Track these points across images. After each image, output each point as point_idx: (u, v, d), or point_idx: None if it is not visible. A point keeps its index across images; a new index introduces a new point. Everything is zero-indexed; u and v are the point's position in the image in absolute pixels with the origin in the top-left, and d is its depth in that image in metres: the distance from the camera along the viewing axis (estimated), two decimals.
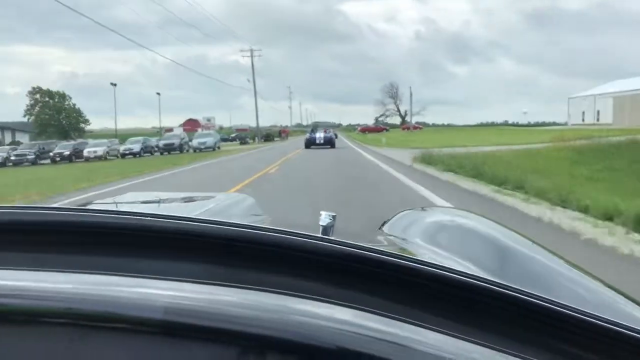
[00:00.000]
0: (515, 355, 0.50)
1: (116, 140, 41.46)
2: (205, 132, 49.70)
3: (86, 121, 76.24)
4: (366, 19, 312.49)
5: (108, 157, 36.12)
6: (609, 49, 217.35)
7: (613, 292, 0.88)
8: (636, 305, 0.83)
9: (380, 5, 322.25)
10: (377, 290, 0.53)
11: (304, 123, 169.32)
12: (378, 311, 0.51)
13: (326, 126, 48.64)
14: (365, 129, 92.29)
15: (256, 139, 66.89)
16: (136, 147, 37.30)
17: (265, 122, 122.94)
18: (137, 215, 0.58)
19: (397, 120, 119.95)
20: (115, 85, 63.27)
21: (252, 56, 71.72)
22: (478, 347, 0.49)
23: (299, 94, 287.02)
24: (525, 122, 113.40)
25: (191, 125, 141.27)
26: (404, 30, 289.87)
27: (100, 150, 36.19)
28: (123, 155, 36.22)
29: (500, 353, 0.49)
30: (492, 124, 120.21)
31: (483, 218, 1.32)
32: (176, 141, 39.93)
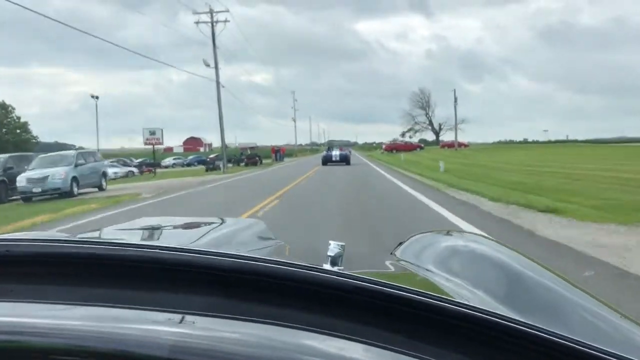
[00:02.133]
0: None
1: None
2: (52, 155, 20.01)
3: (33, 138, 60.62)
4: (379, 38, 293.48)
5: None
6: (626, 64, 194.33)
7: (628, 320, 0.86)
8: None
9: (392, 24, 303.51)
10: (388, 324, 0.51)
11: (318, 142, 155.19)
12: (390, 346, 0.49)
13: (342, 144, 48.21)
14: (393, 147, 72.65)
15: (222, 163, 37.54)
16: None
17: (276, 140, 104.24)
18: (143, 248, 0.58)
19: (427, 136, 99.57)
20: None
21: (212, 22, 37.35)
22: None
23: (314, 112, 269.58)
24: (545, 139, 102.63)
25: (193, 144, 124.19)
26: (417, 49, 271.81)
27: None
28: None
29: None
30: (511, 142, 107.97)
31: (497, 244, 1.28)
32: None
